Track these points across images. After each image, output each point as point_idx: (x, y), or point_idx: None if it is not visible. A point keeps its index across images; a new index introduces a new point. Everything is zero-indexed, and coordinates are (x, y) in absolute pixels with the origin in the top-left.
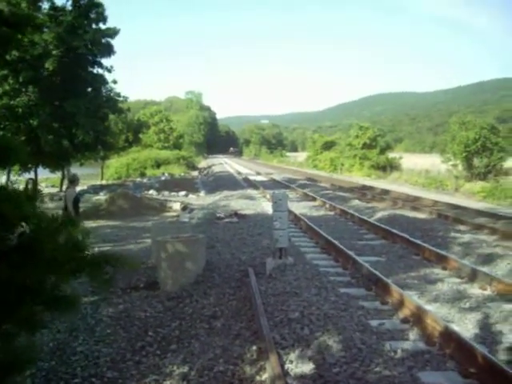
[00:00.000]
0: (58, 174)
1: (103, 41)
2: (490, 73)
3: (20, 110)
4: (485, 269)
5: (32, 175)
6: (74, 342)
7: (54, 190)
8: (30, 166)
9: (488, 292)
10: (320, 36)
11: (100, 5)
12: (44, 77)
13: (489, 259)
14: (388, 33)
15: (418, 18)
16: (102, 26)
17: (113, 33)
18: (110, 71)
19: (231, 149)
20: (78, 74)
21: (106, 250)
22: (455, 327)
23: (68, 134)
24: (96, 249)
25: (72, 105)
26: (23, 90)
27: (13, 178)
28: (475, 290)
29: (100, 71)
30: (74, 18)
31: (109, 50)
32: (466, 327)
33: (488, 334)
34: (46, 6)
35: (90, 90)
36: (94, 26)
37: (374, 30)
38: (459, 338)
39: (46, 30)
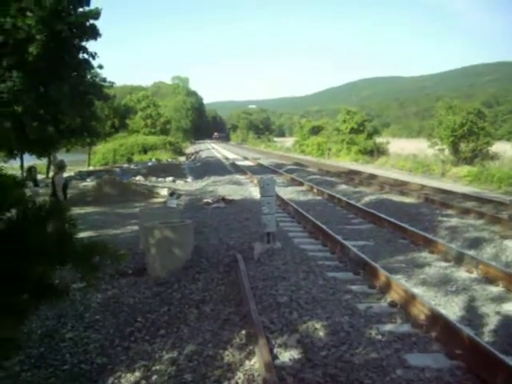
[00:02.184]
0: (44, 161)
1: (87, 24)
2: (475, 58)
3: (5, 95)
4: (471, 252)
5: (18, 162)
6: (63, 328)
7: (41, 177)
8: (15, 152)
9: (474, 275)
10: (305, 21)
11: None
12: (28, 62)
13: (475, 243)
14: (373, 17)
15: (404, 3)
16: (86, 8)
17: (95, 13)
18: (94, 57)
19: (216, 134)
20: (62, 59)
21: (93, 237)
22: (442, 310)
23: (53, 120)
24: (82, 234)
25: (56, 89)
26: (8, 75)
27: None
28: (462, 274)
29: (85, 57)
30: (58, 1)
31: (94, 33)
32: (453, 310)
33: (474, 316)
34: None
35: (75, 74)
36: (80, 9)
37: (359, 13)
38: (445, 320)
39: (29, 14)
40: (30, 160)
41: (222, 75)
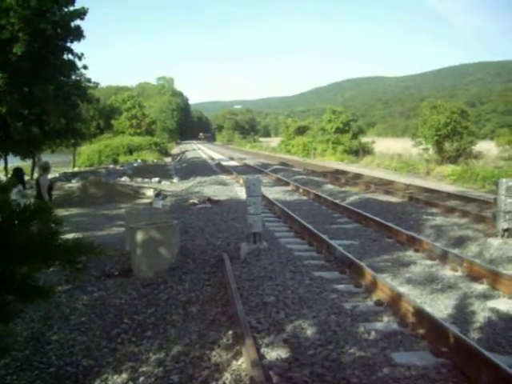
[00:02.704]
0: (29, 162)
1: (72, 24)
2: (457, 58)
3: None
4: (456, 251)
5: (1, 163)
6: (49, 330)
7: (25, 178)
8: None
9: (459, 273)
10: (291, 21)
11: None
12: (12, 62)
13: (460, 241)
14: (358, 17)
15: (388, 4)
16: (70, 8)
17: (81, 13)
18: (80, 58)
19: (201, 134)
20: (47, 60)
21: (78, 237)
22: (427, 308)
23: (38, 120)
24: (68, 236)
25: (40, 90)
26: None
27: None
28: (447, 272)
29: (70, 57)
30: (42, 0)
31: (78, 34)
32: (438, 308)
33: (459, 313)
34: None
35: (59, 75)
36: (64, 10)
37: (344, 14)
38: (431, 318)
39: (12, 13)
40: (13, 161)
41: (208, 75)
